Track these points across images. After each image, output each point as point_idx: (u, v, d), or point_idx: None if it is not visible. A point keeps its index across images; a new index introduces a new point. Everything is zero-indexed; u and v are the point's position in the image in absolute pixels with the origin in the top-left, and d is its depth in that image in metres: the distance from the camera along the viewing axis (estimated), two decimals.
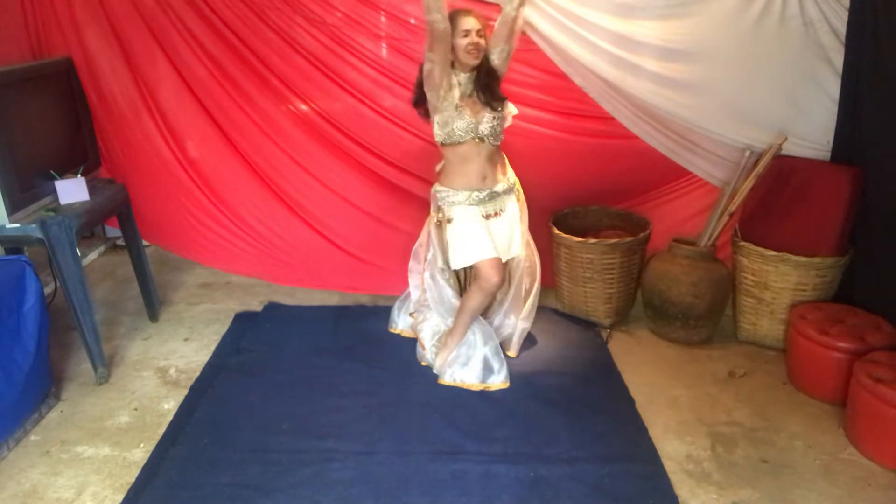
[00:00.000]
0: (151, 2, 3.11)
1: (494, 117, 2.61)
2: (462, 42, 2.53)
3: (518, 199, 2.83)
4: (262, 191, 3.45)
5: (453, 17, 2.52)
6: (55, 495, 2.16)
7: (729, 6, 2.79)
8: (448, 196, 2.70)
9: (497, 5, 2.88)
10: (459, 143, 2.60)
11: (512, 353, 2.94)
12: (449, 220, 2.71)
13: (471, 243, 2.67)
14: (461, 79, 2.60)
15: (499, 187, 2.72)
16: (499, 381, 2.72)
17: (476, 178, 2.67)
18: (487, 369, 2.74)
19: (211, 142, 3.36)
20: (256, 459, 2.28)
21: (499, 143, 2.68)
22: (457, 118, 2.57)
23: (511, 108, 2.72)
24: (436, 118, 2.62)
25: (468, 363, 2.74)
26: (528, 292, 2.93)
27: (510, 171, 2.82)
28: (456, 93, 2.59)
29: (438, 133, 2.63)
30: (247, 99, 3.28)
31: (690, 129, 3.03)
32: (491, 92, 2.60)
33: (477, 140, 2.60)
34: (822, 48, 2.84)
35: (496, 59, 2.63)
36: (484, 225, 2.69)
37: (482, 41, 2.55)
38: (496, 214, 2.73)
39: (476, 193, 2.67)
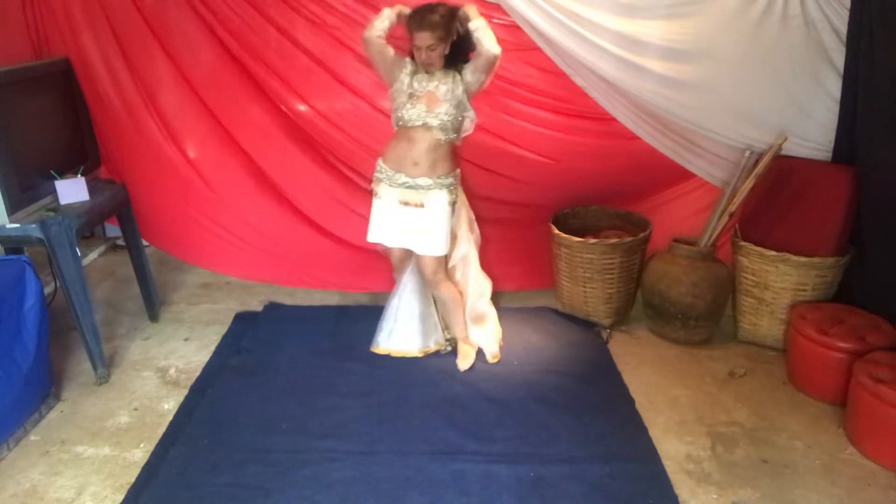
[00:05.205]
0: (151, 1, 3.10)
1: (447, 112, 2.55)
2: (416, 54, 2.54)
3: (453, 203, 2.72)
4: (262, 191, 3.43)
5: (409, 26, 2.50)
6: (55, 495, 2.16)
7: (730, 6, 2.79)
8: (378, 170, 2.74)
9: (497, 5, 2.89)
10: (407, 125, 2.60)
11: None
12: (375, 195, 2.77)
13: (375, 223, 2.78)
14: (420, 75, 2.58)
15: (422, 181, 2.63)
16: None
17: (408, 162, 2.62)
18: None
19: (210, 142, 3.35)
20: (256, 459, 2.28)
21: (446, 138, 2.59)
22: (407, 106, 2.56)
23: (471, 114, 2.63)
24: (391, 97, 2.65)
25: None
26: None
27: (452, 175, 2.70)
28: (406, 82, 2.58)
29: (392, 113, 2.66)
30: (246, 99, 3.27)
31: (691, 129, 3.03)
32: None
33: (425, 127, 2.57)
34: (823, 48, 2.84)
35: (469, 76, 2.56)
36: (397, 211, 2.70)
37: (434, 54, 2.51)
38: (416, 206, 2.67)
39: (399, 176, 2.65)
